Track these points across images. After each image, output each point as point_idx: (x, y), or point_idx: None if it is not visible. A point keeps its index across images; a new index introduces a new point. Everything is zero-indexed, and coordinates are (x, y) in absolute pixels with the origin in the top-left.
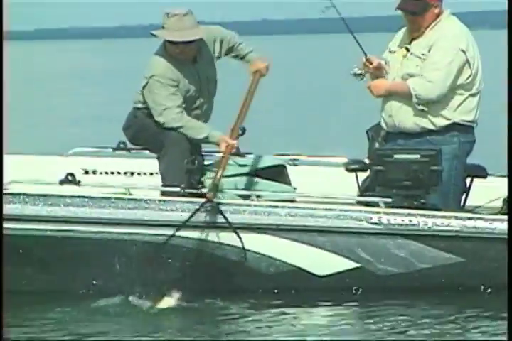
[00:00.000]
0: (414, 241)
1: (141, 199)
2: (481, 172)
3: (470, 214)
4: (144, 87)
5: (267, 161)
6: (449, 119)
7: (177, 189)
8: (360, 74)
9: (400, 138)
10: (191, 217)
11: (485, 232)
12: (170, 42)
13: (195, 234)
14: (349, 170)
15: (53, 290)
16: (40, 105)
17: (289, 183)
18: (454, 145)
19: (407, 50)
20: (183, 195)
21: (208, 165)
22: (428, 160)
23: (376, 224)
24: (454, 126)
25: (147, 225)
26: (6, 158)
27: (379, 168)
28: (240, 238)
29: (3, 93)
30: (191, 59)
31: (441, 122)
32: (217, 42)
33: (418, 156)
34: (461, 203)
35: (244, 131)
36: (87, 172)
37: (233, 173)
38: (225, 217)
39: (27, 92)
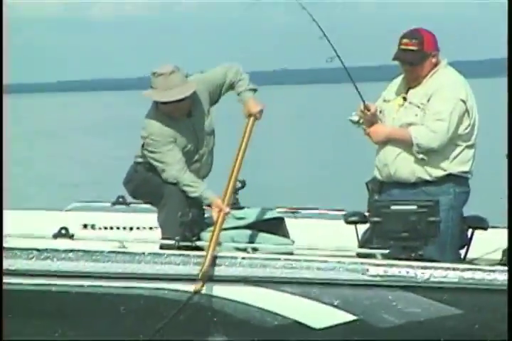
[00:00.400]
0: (412, 292)
1: (135, 253)
2: (482, 224)
3: (468, 266)
4: (142, 146)
5: (265, 214)
6: (445, 170)
7: (172, 242)
8: (358, 121)
9: (394, 188)
10: (178, 312)
11: (483, 284)
12: (161, 102)
13: (191, 287)
14: (348, 223)
15: None
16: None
17: (287, 236)
18: (450, 196)
19: (404, 99)
20: (179, 248)
21: (208, 217)
22: (426, 211)
23: (373, 276)
24: (449, 177)
25: (141, 279)
26: (4, 213)
27: (376, 219)
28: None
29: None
30: (186, 112)
31: (437, 173)
32: (213, 88)
33: (415, 207)
34: (461, 255)
35: (244, 184)
36: (85, 226)
37: (230, 226)
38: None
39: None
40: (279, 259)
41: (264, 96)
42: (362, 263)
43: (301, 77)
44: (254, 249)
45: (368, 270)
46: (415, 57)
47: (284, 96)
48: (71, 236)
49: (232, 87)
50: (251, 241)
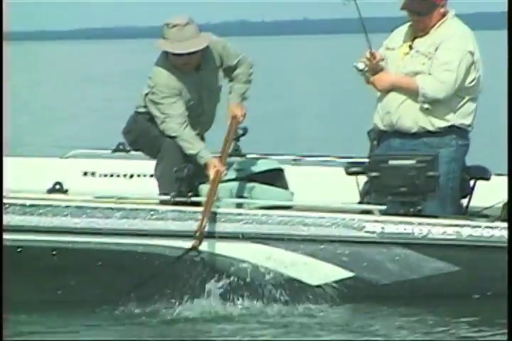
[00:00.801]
0: (410, 249)
1: (130, 209)
2: (485, 174)
3: (467, 222)
4: (146, 95)
5: (264, 165)
6: (448, 121)
7: (167, 197)
8: (363, 69)
9: (395, 138)
10: (171, 267)
11: (482, 240)
12: (173, 53)
13: (186, 244)
14: (349, 174)
15: (44, 300)
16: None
17: (286, 187)
18: (452, 149)
19: (410, 47)
20: (175, 203)
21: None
22: (425, 165)
23: (370, 232)
24: (452, 129)
25: (137, 235)
26: (5, 160)
27: (374, 174)
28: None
29: (4, 93)
30: (195, 66)
31: (440, 124)
32: (222, 59)
33: (414, 162)
34: (462, 207)
35: (246, 131)
36: (85, 174)
37: (229, 178)
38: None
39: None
40: (275, 216)
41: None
42: (359, 220)
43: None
44: (253, 202)
45: (364, 227)
46: (424, 6)
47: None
48: (65, 191)
49: (232, 77)
50: (249, 194)
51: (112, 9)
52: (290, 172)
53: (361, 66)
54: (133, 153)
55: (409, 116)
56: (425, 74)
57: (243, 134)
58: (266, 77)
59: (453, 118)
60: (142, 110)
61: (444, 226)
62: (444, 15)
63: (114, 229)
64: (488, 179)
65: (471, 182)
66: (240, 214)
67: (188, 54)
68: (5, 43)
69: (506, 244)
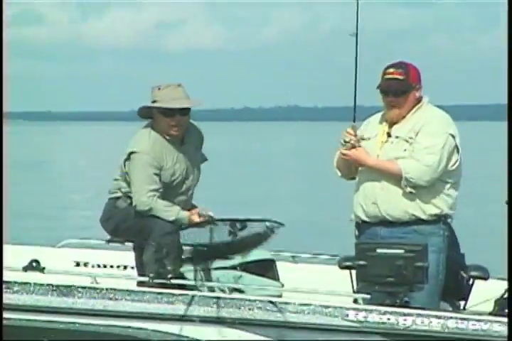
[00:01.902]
0: (393, 340)
1: (106, 289)
2: (483, 274)
3: (452, 314)
4: (124, 161)
5: (255, 255)
6: (438, 208)
7: (145, 278)
8: (349, 141)
9: (381, 226)
10: None
11: (468, 333)
12: (165, 114)
13: (163, 327)
14: (342, 268)
15: None
16: None
17: (276, 279)
18: (441, 238)
19: (389, 135)
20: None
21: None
22: (413, 255)
23: (352, 321)
24: (441, 217)
25: (112, 316)
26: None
27: (361, 262)
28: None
29: None
30: (180, 138)
31: (431, 211)
32: (201, 135)
33: (403, 251)
34: (458, 304)
35: (244, 226)
36: (78, 264)
37: (217, 266)
38: None
39: None
40: (255, 301)
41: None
42: (341, 308)
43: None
44: (240, 291)
45: (347, 315)
46: (401, 86)
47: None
48: (42, 270)
49: None
50: (236, 283)
51: None
52: (288, 269)
53: (347, 138)
54: (128, 243)
55: (399, 205)
56: (407, 159)
57: (242, 228)
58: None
59: (443, 206)
60: (120, 194)
61: (428, 318)
62: (419, 100)
63: (89, 310)
64: (486, 279)
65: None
66: (218, 298)
67: (182, 112)
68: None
69: (494, 339)
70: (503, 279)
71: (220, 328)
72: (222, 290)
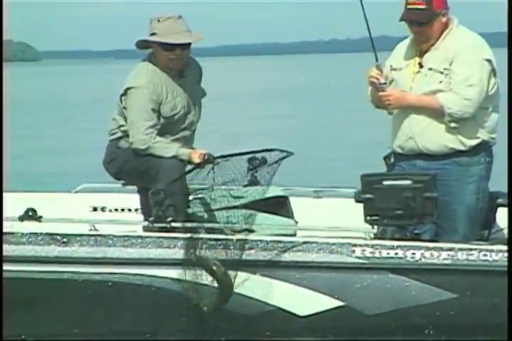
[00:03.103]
0: (402, 275)
1: (104, 235)
2: (504, 201)
3: (462, 245)
4: (121, 97)
5: (267, 192)
6: (478, 138)
7: (145, 223)
8: (385, 83)
9: (420, 159)
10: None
11: (478, 265)
12: (165, 47)
13: (165, 273)
14: (357, 201)
15: (14, 334)
16: None
17: (289, 216)
18: (482, 166)
19: (420, 65)
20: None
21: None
22: (421, 186)
23: (359, 257)
24: (481, 145)
25: (111, 264)
26: (13, 195)
27: (368, 196)
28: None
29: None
30: (180, 71)
31: (471, 142)
32: (200, 70)
33: (410, 182)
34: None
35: (265, 161)
36: (95, 209)
37: (227, 205)
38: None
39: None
40: (258, 241)
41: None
42: (348, 244)
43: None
44: (251, 231)
45: (354, 251)
46: (424, 16)
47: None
48: (38, 218)
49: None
50: (247, 223)
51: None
52: (311, 205)
53: (382, 80)
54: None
55: (437, 139)
56: (447, 92)
57: (261, 164)
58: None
59: (482, 134)
60: (119, 134)
61: (437, 251)
62: (446, 24)
63: (86, 258)
64: (507, 206)
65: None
66: (220, 240)
67: (182, 46)
68: None
69: (506, 268)
70: None
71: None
72: (235, 232)
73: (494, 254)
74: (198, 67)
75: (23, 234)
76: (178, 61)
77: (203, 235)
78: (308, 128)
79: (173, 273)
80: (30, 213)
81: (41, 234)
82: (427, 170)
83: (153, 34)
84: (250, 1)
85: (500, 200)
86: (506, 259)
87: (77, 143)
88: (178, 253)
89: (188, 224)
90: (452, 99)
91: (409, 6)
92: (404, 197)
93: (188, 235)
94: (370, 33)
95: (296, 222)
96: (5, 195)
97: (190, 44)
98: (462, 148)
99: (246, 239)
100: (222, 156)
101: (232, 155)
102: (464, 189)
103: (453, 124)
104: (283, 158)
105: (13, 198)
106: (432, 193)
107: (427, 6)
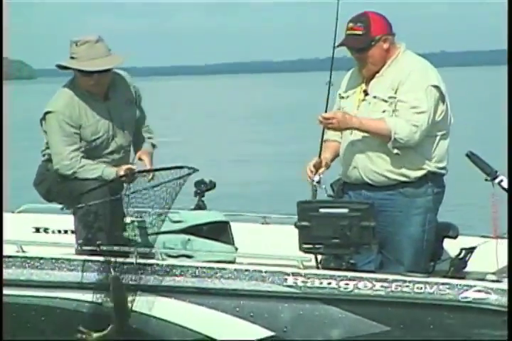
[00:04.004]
0: (335, 306)
1: (32, 257)
2: (453, 233)
3: (396, 277)
4: (41, 121)
5: (207, 217)
6: (424, 169)
7: (74, 246)
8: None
9: (365, 189)
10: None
11: (412, 297)
12: (82, 73)
13: (88, 297)
14: (297, 227)
15: None
16: None
17: (230, 242)
18: (429, 197)
19: (365, 93)
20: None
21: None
22: (359, 214)
23: (290, 286)
24: (427, 176)
25: (36, 286)
26: None
27: (304, 223)
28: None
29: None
30: (103, 94)
31: (416, 173)
32: (133, 89)
33: (347, 210)
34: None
35: (213, 185)
36: (38, 230)
37: (165, 230)
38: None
39: None
40: (187, 267)
41: None
42: (280, 273)
43: None
44: (188, 257)
45: (285, 280)
46: (361, 41)
47: None
48: None
49: (139, 127)
50: (184, 247)
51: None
52: (259, 231)
53: (317, 177)
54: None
55: (380, 170)
56: (394, 117)
57: (209, 189)
58: None
59: (428, 165)
60: (47, 157)
61: (370, 281)
62: (388, 50)
63: (13, 280)
64: (455, 238)
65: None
66: (148, 265)
67: (100, 72)
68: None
69: (441, 302)
70: (467, 235)
71: (150, 297)
72: (171, 257)
73: (429, 287)
74: (129, 87)
75: None
76: (97, 86)
77: (120, 259)
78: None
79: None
80: None
81: None
82: (373, 199)
83: (72, 58)
84: (248, 16)
85: (446, 232)
86: (441, 292)
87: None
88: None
89: (117, 248)
90: (400, 124)
91: (347, 32)
92: (341, 226)
93: (103, 258)
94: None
95: (236, 249)
96: None
97: (109, 69)
98: (406, 179)
99: (174, 265)
100: (144, 171)
101: (148, 171)
102: (408, 220)
103: (395, 151)
104: (188, 174)
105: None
106: (370, 222)
107: (365, 31)
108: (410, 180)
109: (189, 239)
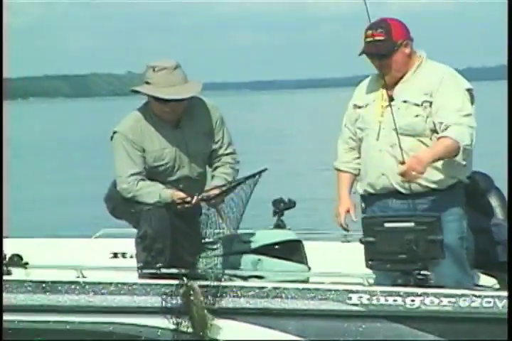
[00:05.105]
0: (401, 324)
1: (93, 283)
2: None
3: (464, 291)
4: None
5: (278, 236)
6: (455, 177)
7: (133, 270)
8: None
9: (393, 199)
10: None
11: (481, 312)
12: (158, 100)
13: (155, 322)
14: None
15: None
16: None
17: (303, 261)
18: (460, 205)
19: (391, 98)
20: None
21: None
22: (425, 228)
23: (355, 305)
24: (458, 184)
25: (98, 312)
26: (29, 241)
27: (369, 239)
28: None
29: None
30: (175, 122)
31: (448, 181)
32: (214, 119)
33: (413, 224)
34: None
35: (293, 204)
36: (115, 255)
37: (234, 251)
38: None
39: None
40: (249, 288)
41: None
42: (344, 291)
43: None
44: (260, 277)
45: (350, 298)
46: (384, 47)
47: None
48: (24, 265)
49: (215, 157)
50: (255, 268)
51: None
52: (339, 249)
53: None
54: None
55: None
56: (451, 127)
57: (289, 207)
58: None
59: (460, 173)
60: None
61: (437, 297)
62: (410, 55)
63: (74, 306)
64: None
65: None
66: (214, 287)
67: (176, 100)
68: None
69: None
70: None
71: (217, 320)
72: (243, 278)
73: (499, 301)
74: (209, 118)
75: (8, 281)
76: (172, 114)
77: (188, 281)
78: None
79: (166, 322)
80: (15, 259)
81: (25, 281)
82: (402, 211)
83: (147, 83)
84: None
85: None
86: (506, 305)
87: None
88: (170, 301)
89: (177, 270)
90: (459, 131)
91: (367, 39)
92: (407, 240)
93: (173, 282)
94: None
95: (309, 268)
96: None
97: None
98: (437, 187)
99: (235, 286)
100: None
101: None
102: (444, 228)
103: (464, 162)
104: (259, 172)
105: (36, 243)
106: (437, 236)
107: (386, 36)
108: (441, 188)
109: (259, 259)
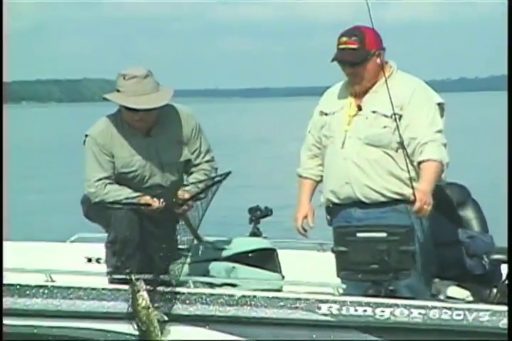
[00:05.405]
0: (370, 334)
1: (62, 287)
2: None
3: (435, 303)
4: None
5: (252, 244)
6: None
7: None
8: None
9: (356, 209)
10: None
11: (451, 325)
12: (128, 108)
13: (120, 328)
14: (333, 252)
15: None
16: None
17: (277, 270)
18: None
19: (359, 107)
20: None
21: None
22: (397, 238)
23: (325, 315)
24: None
25: (66, 317)
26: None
27: (340, 248)
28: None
29: None
30: (145, 130)
31: (410, 191)
32: (189, 127)
33: (385, 234)
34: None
35: (270, 212)
36: (90, 260)
37: (207, 258)
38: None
39: None
40: (219, 295)
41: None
42: (314, 301)
43: None
44: (232, 285)
45: (319, 307)
46: (356, 56)
47: None
48: None
49: (191, 165)
50: (228, 275)
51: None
52: (315, 259)
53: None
54: None
55: (378, 186)
56: (426, 146)
57: (265, 215)
58: None
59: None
60: None
61: (407, 308)
62: (381, 66)
63: (43, 311)
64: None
65: None
66: (179, 294)
67: (145, 110)
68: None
69: (482, 330)
70: None
71: (180, 327)
72: (216, 285)
73: (469, 314)
74: (182, 127)
75: None
76: (142, 122)
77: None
78: None
79: (126, 327)
80: None
81: None
82: (365, 220)
83: (118, 91)
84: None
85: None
86: (481, 319)
87: None
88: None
89: (148, 276)
90: (437, 149)
91: (340, 46)
92: (379, 251)
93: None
94: None
95: (283, 277)
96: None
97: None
98: (400, 197)
99: (205, 293)
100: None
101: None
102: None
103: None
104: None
105: (13, 247)
106: (409, 246)
107: (360, 45)
108: (404, 199)
109: (233, 267)
